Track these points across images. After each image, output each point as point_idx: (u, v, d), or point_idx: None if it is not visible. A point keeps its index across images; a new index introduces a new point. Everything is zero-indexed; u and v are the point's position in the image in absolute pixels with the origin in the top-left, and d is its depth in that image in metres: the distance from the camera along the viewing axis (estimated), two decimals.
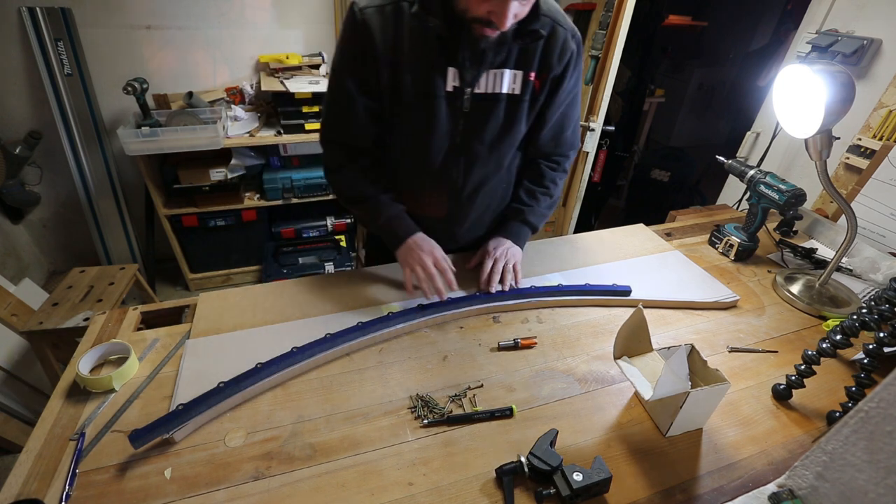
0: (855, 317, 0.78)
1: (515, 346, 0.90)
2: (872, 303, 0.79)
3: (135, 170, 2.31)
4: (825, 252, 1.28)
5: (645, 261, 1.18)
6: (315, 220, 2.66)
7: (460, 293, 1.00)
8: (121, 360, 0.83)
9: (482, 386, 0.83)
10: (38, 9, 1.96)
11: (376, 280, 1.06)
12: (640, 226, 1.35)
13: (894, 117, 1.36)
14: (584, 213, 2.65)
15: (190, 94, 2.20)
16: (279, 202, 2.44)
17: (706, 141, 4.69)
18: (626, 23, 1.96)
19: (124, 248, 2.52)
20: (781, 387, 0.83)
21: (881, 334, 0.75)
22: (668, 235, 1.33)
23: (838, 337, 0.79)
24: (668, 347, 0.78)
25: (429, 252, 0.98)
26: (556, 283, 1.05)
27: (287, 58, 2.39)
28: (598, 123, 2.23)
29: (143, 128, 2.00)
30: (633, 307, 0.77)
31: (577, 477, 0.63)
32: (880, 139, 1.38)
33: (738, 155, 1.95)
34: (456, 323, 0.96)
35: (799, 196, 1.11)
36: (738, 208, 1.69)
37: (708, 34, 4.36)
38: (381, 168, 1.02)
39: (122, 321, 0.94)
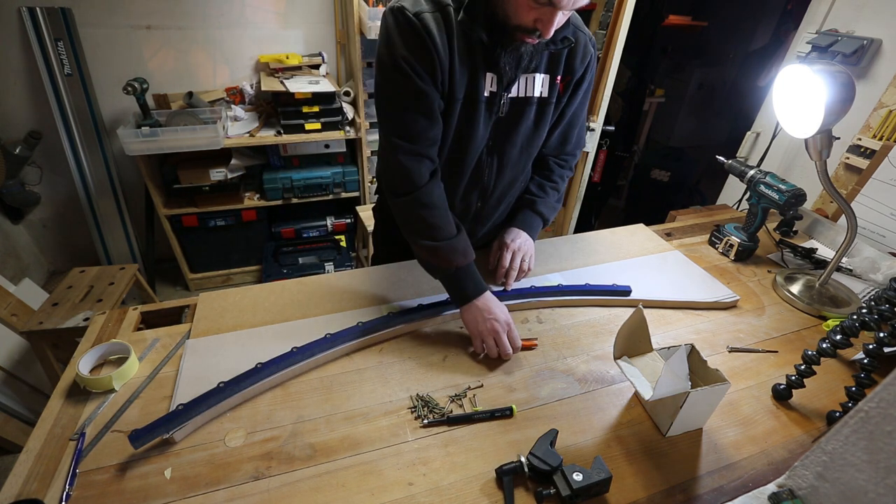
0: (855, 317, 0.78)
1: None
2: (872, 303, 0.79)
3: (135, 170, 2.31)
4: (825, 252, 1.28)
5: (645, 261, 1.18)
6: (315, 220, 2.67)
7: None
8: (121, 360, 0.83)
9: (482, 386, 0.83)
10: (38, 9, 1.96)
11: (376, 280, 1.06)
12: (640, 226, 1.35)
13: (894, 117, 1.36)
14: (584, 213, 2.66)
15: (190, 94, 2.20)
16: (279, 202, 2.44)
17: (706, 141, 4.68)
18: (626, 23, 1.96)
19: (124, 248, 2.52)
20: (781, 387, 0.83)
21: (881, 334, 0.75)
22: (668, 235, 1.33)
23: (838, 337, 0.79)
24: (668, 347, 0.78)
25: (503, 322, 0.89)
26: (556, 283, 1.05)
27: (287, 58, 2.39)
28: (598, 123, 2.24)
29: (143, 128, 2.00)
30: (633, 307, 0.77)
31: (577, 477, 0.63)
32: (880, 139, 1.38)
33: (738, 155, 1.95)
34: (456, 323, 0.96)
35: (799, 196, 1.11)
36: (738, 208, 1.69)
37: (708, 34, 4.34)
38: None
39: (122, 321, 0.94)
